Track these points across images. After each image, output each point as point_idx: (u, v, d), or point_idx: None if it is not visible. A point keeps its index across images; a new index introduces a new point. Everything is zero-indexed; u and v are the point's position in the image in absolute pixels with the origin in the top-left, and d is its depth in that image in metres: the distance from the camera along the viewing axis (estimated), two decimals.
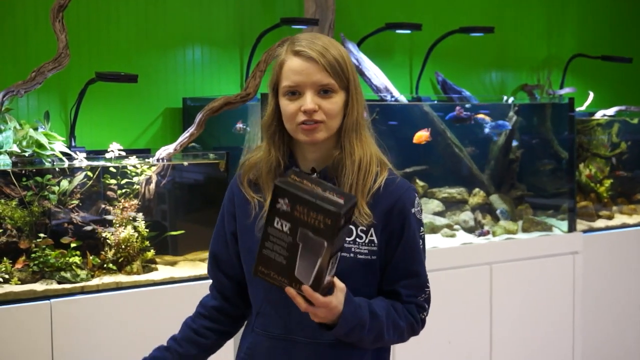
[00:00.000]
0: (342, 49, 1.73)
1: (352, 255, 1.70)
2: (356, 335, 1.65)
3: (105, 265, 2.91)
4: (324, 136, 1.70)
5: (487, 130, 3.98)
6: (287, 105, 1.70)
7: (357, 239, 1.71)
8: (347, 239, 1.70)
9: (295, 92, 1.69)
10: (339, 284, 1.59)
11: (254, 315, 1.79)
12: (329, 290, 1.57)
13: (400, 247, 1.74)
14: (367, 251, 1.72)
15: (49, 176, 2.87)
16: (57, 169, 2.87)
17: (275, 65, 1.74)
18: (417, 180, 3.93)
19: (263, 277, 1.55)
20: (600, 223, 4.35)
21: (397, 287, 1.74)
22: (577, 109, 4.40)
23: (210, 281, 1.92)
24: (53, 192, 2.87)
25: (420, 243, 1.79)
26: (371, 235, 1.72)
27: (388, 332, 1.71)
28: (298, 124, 1.69)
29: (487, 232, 3.86)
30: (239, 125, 3.35)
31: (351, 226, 1.70)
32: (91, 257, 2.89)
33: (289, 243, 1.49)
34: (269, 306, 1.75)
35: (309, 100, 1.67)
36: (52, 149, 2.80)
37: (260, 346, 1.77)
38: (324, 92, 1.69)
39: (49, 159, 2.79)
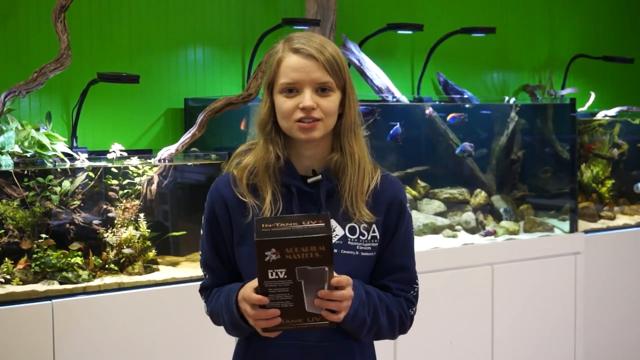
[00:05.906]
0: (337, 48, 1.73)
1: (356, 253, 1.71)
2: (360, 315, 1.64)
3: (107, 266, 2.91)
4: (321, 134, 1.69)
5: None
6: (284, 103, 1.68)
7: (360, 237, 1.72)
8: (351, 236, 1.71)
9: (292, 90, 1.67)
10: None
11: None
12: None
13: (395, 241, 1.75)
14: (370, 248, 1.72)
15: (51, 177, 2.87)
16: (58, 170, 2.87)
17: (272, 63, 1.72)
18: (419, 181, 3.92)
19: (276, 330, 1.56)
20: (601, 223, 4.35)
21: (387, 281, 1.75)
22: (579, 110, 4.39)
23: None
24: (55, 193, 2.88)
25: (412, 238, 1.81)
26: (373, 232, 1.73)
27: (382, 315, 1.70)
28: (295, 121, 1.67)
29: (493, 232, 3.85)
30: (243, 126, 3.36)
31: (354, 224, 1.71)
32: (93, 258, 2.89)
33: (290, 286, 1.50)
34: None
35: (308, 97, 1.66)
36: (54, 150, 2.80)
37: (264, 353, 1.72)
38: (322, 90, 1.67)
39: (51, 160, 2.79)
